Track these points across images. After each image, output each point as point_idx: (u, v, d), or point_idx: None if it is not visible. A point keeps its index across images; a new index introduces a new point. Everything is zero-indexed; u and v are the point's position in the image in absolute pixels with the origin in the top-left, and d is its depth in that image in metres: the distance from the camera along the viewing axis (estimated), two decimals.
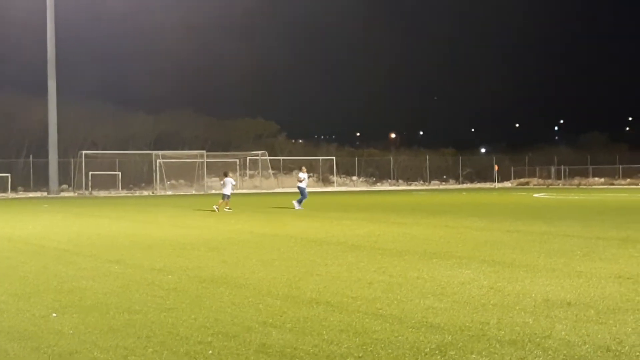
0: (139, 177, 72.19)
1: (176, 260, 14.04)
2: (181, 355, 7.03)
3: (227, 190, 32.01)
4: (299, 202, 32.66)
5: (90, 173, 64.83)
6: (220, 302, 9.59)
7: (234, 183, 32.63)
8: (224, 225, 23.88)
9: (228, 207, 31.71)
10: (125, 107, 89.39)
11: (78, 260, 14.42)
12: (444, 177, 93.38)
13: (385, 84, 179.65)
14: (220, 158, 73.40)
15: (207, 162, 70.83)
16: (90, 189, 64.59)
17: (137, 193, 66.35)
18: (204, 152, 70.87)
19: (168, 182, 69.17)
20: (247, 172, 75.92)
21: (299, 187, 33.40)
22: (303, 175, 33.57)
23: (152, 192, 66.14)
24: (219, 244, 17.29)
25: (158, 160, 67.79)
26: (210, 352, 7.11)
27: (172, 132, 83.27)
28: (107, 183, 67.07)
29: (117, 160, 69.10)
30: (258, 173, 76.52)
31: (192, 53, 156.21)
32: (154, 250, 16.13)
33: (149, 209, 35.92)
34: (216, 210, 31.43)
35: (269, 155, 75.74)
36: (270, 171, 76.04)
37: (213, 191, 67.98)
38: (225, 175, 33.04)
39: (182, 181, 71.64)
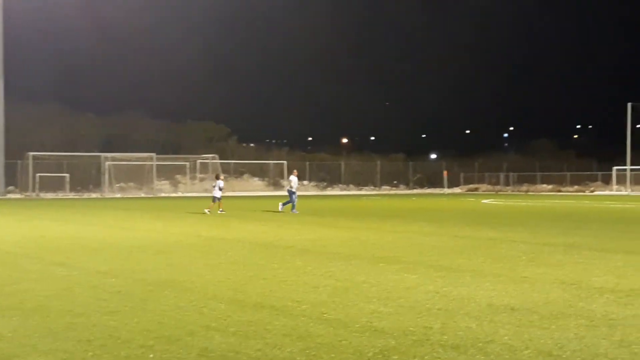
0: (87, 180, 71.26)
1: (122, 263, 13.90)
2: (121, 359, 6.94)
3: (217, 193, 32.14)
4: (285, 204, 33.15)
5: (37, 175, 63.98)
6: (164, 305, 9.50)
7: (218, 186, 32.60)
8: (172, 228, 23.74)
9: (209, 210, 31.96)
10: (75, 108, 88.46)
11: (22, 263, 14.22)
12: (395, 182, 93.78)
13: (337, 89, 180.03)
14: (170, 161, 73.02)
15: (157, 164, 70.37)
16: (37, 191, 63.74)
17: (85, 195, 65.60)
18: (154, 154, 70.32)
19: (117, 185, 68.56)
20: (198, 175, 75.49)
21: (288, 191, 33.58)
22: (294, 178, 33.74)
23: (101, 195, 65.51)
24: (166, 247, 17.17)
25: (107, 163, 67.16)
26: (151, 356, 7.03)
27: (122, 134, 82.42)
28: (55, 185, 66.21)
29: (65, 162, 68.29)
30: (209, 176, 76.16)
31: (143, 55, 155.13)
32: (100, 253, 15.95)
33: (96, 212, 35.54)
34: (207, 212, 31.77)
35: (219, 159, 75.41)
36: (221, 175, 75.65)
37: (163, 194, 67.64)
38: (217, 177, 33.26)
39: (131, 184, 71.04)
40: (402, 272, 12.48)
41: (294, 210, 32.76)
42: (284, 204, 33.43)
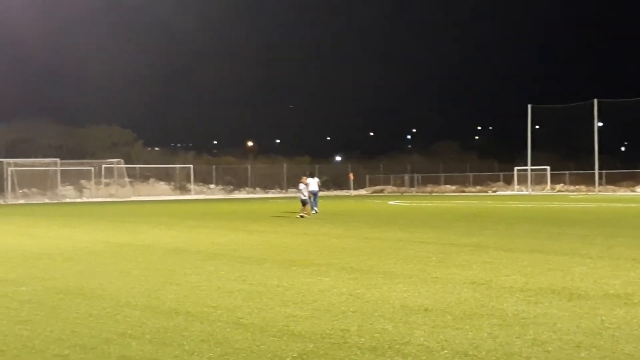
0: None
1: (30, 271, 13.63)
2: None
3: (303, 195, 32.17)
4: (312, 209, 33.15)
5: None
6: (77, 313, 9.35)
7: (304, 188, 32.40)
8: (79, 234, 23.37)
9: (305, 213, 31.81)
10: None
11: None
12: None
13: (241, 92, 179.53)
14: (75, 166, 71.73)
15: (61, 170, 69.06)
16: None
17: None
18: (58, 160, 68.99)
19: (20, 191, 67.07)
20: (103, 180, 74.38)
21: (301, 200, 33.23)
22: (306, 184, 33.38)
23: (3, 201, 63.97)
24: (74, 254, 16.89)
25: (10, 169, 65.68)
26: None
27: (26, 139, 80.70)
28: None
29: None
30: (114, 181, 75.14)
31: (46, 58, 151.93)
32: (5, 261, 15.60)
33: (0, 219, 34.74)
34: (302, 217, 31.40)
35: (125, 164, 74.49)
36: (126, 179, 74.83)
37: (67, 200, 66.42)
38: (309, 177, 32.91)
39: (35, 190, 69.59)
40: (315, 275, 12.54)
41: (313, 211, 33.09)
42: (315, 210, 33.42)
